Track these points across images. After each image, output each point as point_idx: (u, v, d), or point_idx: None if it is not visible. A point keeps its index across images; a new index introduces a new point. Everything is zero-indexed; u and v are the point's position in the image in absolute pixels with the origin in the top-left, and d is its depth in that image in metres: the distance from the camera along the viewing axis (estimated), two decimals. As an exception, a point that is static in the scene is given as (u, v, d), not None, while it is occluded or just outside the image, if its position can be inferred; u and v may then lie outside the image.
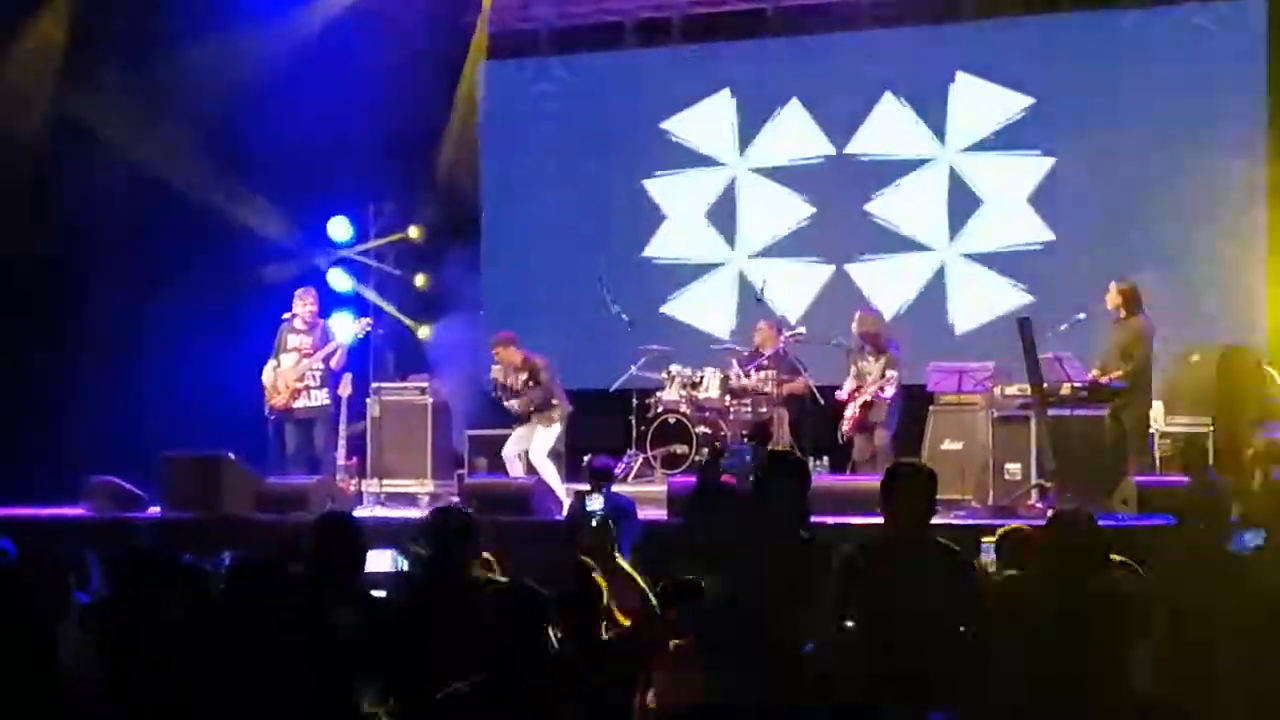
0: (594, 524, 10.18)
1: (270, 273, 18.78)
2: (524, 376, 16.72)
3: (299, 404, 16.92)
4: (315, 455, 17.00)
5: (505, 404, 16.84)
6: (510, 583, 7.27)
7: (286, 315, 17.11)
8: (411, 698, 6.88)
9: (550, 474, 16.50)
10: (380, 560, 11.44)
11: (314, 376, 16.92)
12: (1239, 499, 13.13)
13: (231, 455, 16.38)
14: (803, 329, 18.04)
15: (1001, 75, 18.87)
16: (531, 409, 16.73)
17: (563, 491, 16.06)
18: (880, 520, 7.64)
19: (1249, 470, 13.67)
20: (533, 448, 16.65)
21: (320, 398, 16.94)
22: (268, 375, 16.94)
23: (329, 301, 18.43)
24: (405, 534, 13.43)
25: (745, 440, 16.90)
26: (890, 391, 16.31)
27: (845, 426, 16.56)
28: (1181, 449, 14.04)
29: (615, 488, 14.09)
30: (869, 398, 16.35)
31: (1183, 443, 14.09)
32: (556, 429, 16.81)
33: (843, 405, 16.63)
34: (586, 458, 17.73)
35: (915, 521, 7.48)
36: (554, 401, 16.84)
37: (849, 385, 16.61)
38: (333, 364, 16.91)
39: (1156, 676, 7.16)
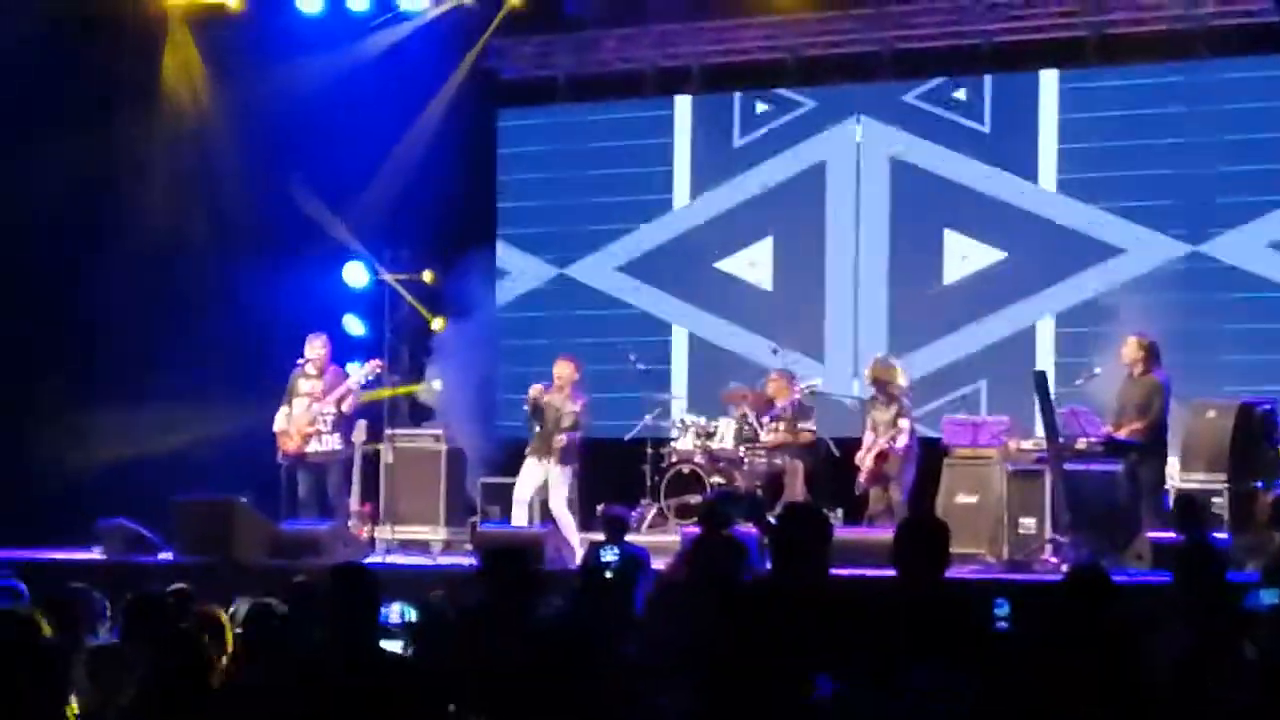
0: (608, 575, 10.15)
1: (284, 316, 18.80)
2: (572, 410, 16.58)
3: (311, 449, 16.91)
4: (328, 501, 16.98)
5: (554, 439, 16.64)
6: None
7: (299, 361, 17.13)
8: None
9: (569, 524, 16.43)
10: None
11: (325, 421, 16.91)
12: (1253, 557, 13.16)
13: (244, 500, 16.37)
14: (818, 380, 18.01)
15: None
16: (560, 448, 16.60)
17: (578, 542, 15.99)
18: (893, 573, 7.60)
19: (1263, 528, 13.61)
20: (553, 496, 16.53)
21: (332, 443, 16.92)
22: (280, 421, 16.94)
23: (344, 347, 18.42)
24: (418, 584, 13.47)
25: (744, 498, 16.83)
26: (903, 442, 16.25)
27: (861, 478, 16.50)
28: (1176, 506, 13.99)
29: (629, 537, 14.05)
30: (883, 447, 16.30)
31: (1182, 500, 14.01)
32: (570, 473, 16.70)
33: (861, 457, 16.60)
34: (600, 507, 17.77)
35: (927, 576, 7.44)
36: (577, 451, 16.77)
37: (868, 438, 16.55)
38: (344, 408, 16.90)
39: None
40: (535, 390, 16.63)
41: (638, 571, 12.42)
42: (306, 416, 16.88)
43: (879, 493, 16.42)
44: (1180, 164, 18.06)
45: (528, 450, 16.76)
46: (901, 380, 16.67)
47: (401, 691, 6.70)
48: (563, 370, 16.60)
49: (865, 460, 16.42)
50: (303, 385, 17.01)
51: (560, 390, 16.53)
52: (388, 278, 19.71)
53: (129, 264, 18.31)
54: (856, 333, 19.43)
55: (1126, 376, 15.44)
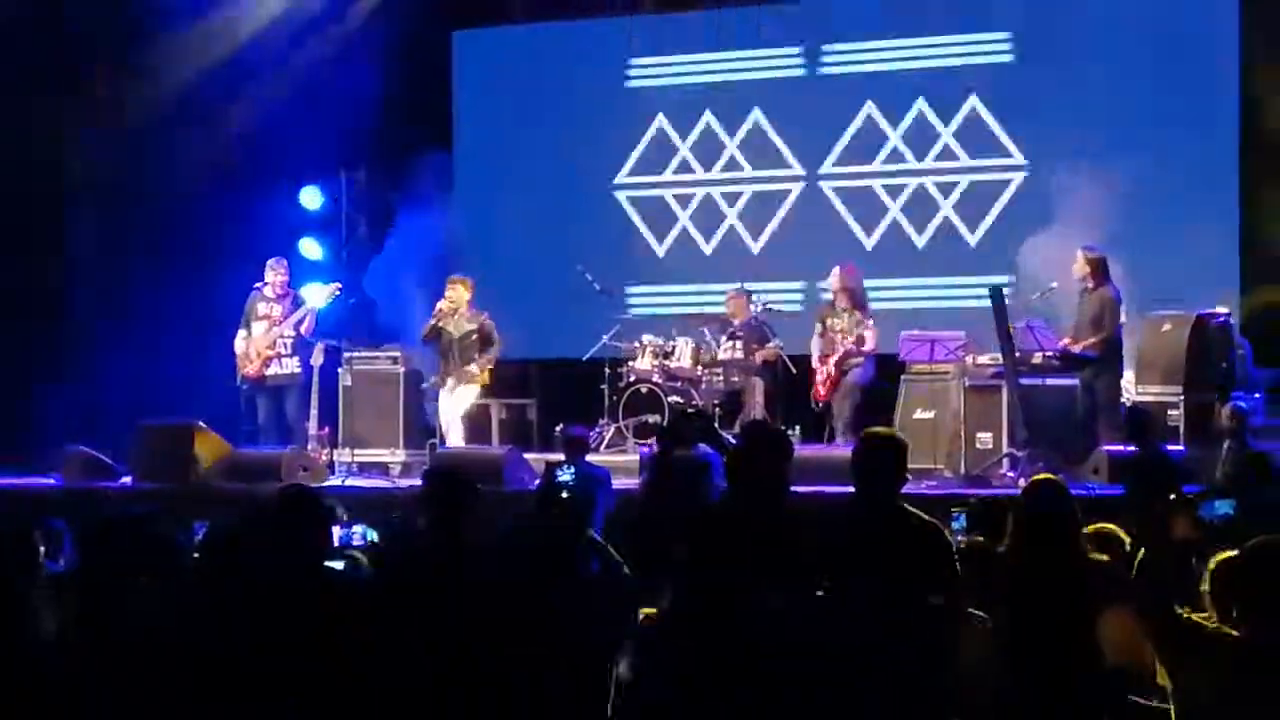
0: (564, 495, 10.14)
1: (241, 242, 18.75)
2: (473, 330, 16.55)
3: (270, 372, 16.92)
4: (287, 424, 17.00)
5: (464, 369, 16.63)
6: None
7: (257, 284, 17.11)
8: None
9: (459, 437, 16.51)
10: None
11: (285, 345, 16.93)
12: (1208, 467, 13.25)
13: (202, 424, 16.36)
14: (773, 300, 18.03)
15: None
16: (474, 374, 16.60)
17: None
18: (852, 489, 7.64)
19: (1217, 439, 13.71)
20: (458, 407, 16.63)
21: (291, 366, 16.95)
22: (239, 344, 16.94)
23: (300, 271, 18.37)
24: (379, 506, 13.47)
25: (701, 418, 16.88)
26: (870, 344, 16.30)
27: (820, 392, 16.51)
28: (1128, 419, 14.05)
29: (588, 457, 14.06)
30: (848, 348, 16.34)
31: (1135, 413, 14.08)
32: (476, 391, 16.75)
33: (813, 370, 16.64)
34: (559, 427, 17.78)
35: (886, 491, 7.48)
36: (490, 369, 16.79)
37: (817, 347, 16.58)
38: (303, 330, 16.91)
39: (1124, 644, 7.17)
40: (443, 306, 16.60)
41: (597, 491, 12.43)
42: (266, 340, 16.87)
43: (841, 402, 16.40)
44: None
45: (435, 381, 16.80)
46: (855, 286, 16.72)
47: (348, 610, 6.72)
48: (454, 292, 16.55)
49: (826, 369, 16.43)
50: (261, 309, 17.01)
51: (455, 313, 16.48)
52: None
53: (91, 196, 18.29)
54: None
55: (1080, 292, 15.51)
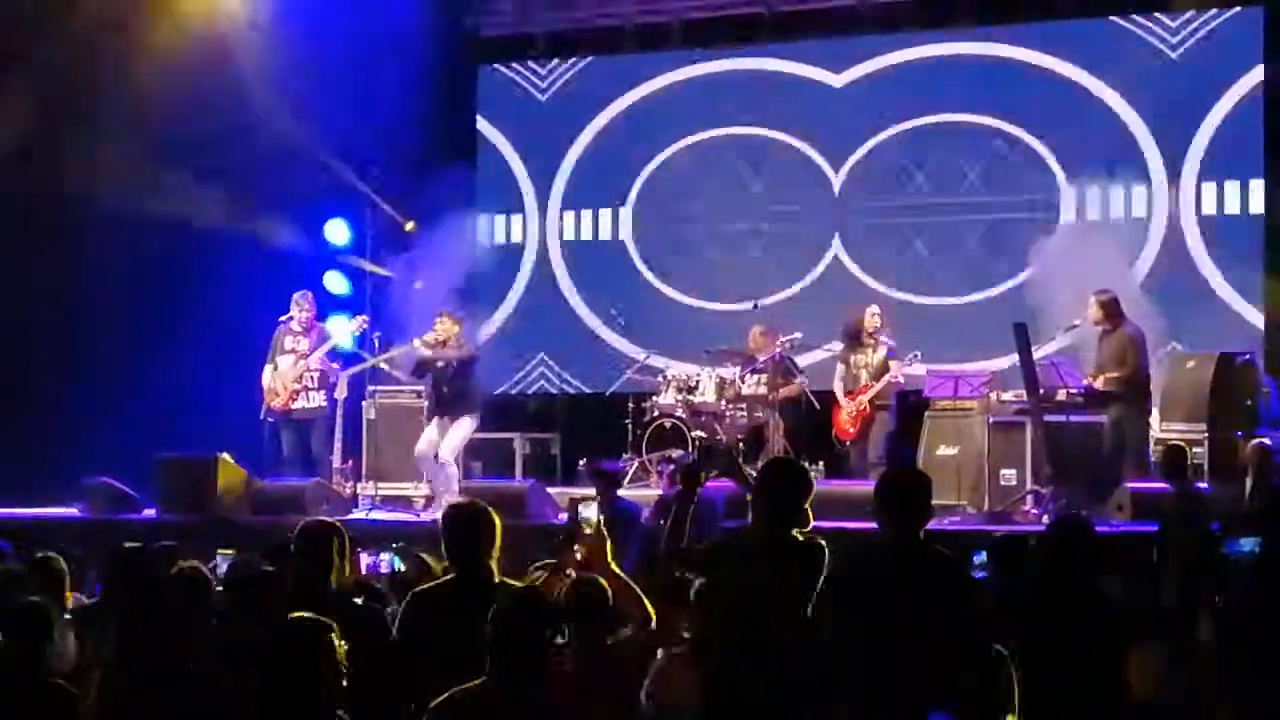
0: (588, 532, 10.11)
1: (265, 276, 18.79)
2: (455, 358, 16.41)
3: (297, 405, 16.95)
4: (311, 458, 17.02)
5: (444, 394, 16.39)
6: (525, 588, 7.22)
7: (283, 318, 17.15)
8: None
9: (453, 475, 16.28)
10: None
11: (311, 378, 16.97)
12: (1233, 505, 13.22)
13: (226, 456, 16.39)
14: (798, 334, 18.02)
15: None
16: (456, 400, 16.40)
17: (458, 491, 15.86)
18: (874, 526, 7.62)
19: (1242, 477, 13.68)
20: (445, 444, 16.29)
21: (317, 399, 16.98)
22: (266, 378, 16.98)
23: (326, 304, 18.40)
24: (402, 537, 13.48)
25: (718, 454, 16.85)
26: (900, 377, 16.43)
27: (849, 431, 16.52)
28: (1161, 457, 14.02)
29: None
30: (890, 381, 16.46)
31: (1170, 451, 14.05)
32: (470, 427, 16.57)
33: (838, 407, 16.65)
34: (583, 462, 17.78)
35: (910, 528, 7.45)
36: (478, 400, 16.70)
37: (841, 385, 16.62)
38: (326, 366, 16.97)
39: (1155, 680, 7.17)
40: (429, 339, 16.44)
41: (631, 529, 12.37)
42: (293, 373, 16.91)
43: (870, 438, 16.48)
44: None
45: (425, 413, 16.76)
46: (885, 325, 16.77)
47: (367, 645, 6.71)
48: (442, 325, 16.45)
49: (855, 405, 16.43)
50: (288, 342, 17.04)
51: (443, 346, 16.43)
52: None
53: (112, 225, 18.32)
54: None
55: (1098, 335, 15.47)
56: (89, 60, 18.41)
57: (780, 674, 7.12)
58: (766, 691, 7.06)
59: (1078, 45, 18.64)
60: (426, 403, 16.85)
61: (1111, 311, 15.38)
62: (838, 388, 16.74)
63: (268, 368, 17.01)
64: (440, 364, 16.29)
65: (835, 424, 16.75)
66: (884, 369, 16.51)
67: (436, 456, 16.27)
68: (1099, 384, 15.14)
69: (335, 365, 17.12)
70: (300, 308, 17.09)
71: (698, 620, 7.61)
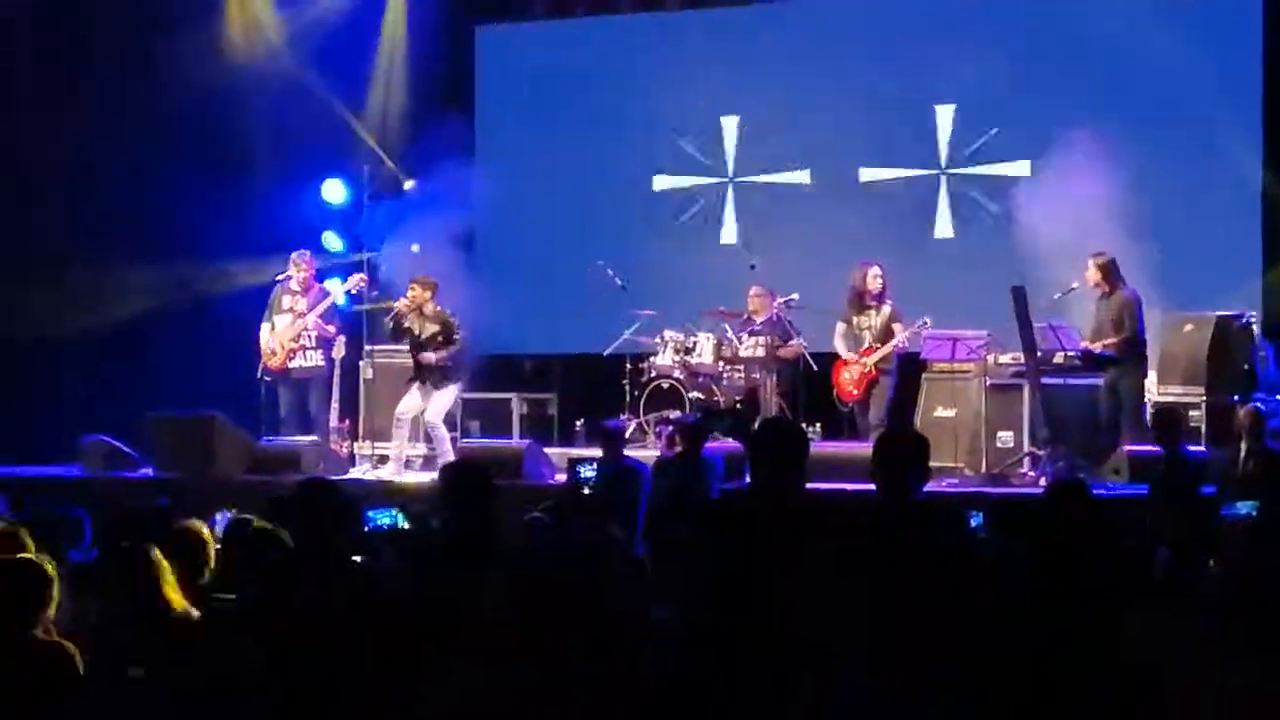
0: (586, 492, 10.16)
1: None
2: (434, 329, 16.34)
3: (294, 364, 16.98)
4: (309, 416, 17.04)
5: (419, 356, 16.37)
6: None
7: (280, 277, 17.16)
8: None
9: (443, 437, 16.29)
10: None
11: (309, 337, 16.99)
12: (1228, 469, 13.23)
13: (222, 415, 16.41)
14: (796, 295, 18.02)
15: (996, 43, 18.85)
16: (440, 367, 16.33)
17: (452, 456, 15.82)
18: (872, 487, 7.62)
19: (1237, 441, 13.68)
20: (431, 407, 16.29)
21: (315, 359, 17.01)
22: (263, 336, 16.98)
23: (323, 263, 18.41)
24: (400, 496, 13.50)
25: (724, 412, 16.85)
26: (905, 339, 16.30)
27: (853, 392, 16.43)
28: (1156, 419, 14.03)
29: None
30: (896, 346, 16.34)
31: (1163, 413, 14.05)
32: (455, 392, 16.57)
33: (841, 368, 16.57)
34: (580, 422, 17.80)
35: (907, 486, 7.44)
36: (461, 367, 16.65)
37: (844, 345, 16.53)
38: (322, 328, 16.96)
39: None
40: (400, 305, 16.43)
41: (639, 485, 12.39)
42: (290, 332, 16.93)
43: (874, 399, 16.38)
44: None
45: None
46: (887, 286, 16.64)
47: (369, 603, 6.72)
48: (414, 292, 16.36)
49: (859, 367, 16.36)
50: (285, 301, 17.07)
51: (415, 311, 16.39)
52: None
53: (109, 184, 18.32)
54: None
55: (1097, 297, 15.48)
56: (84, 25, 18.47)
57: (780, 638, 7.12)
58: (765, 657, 7.06)
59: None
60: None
61: (1109, 273, 15.38)
62: (839, 347, 16.65)
63: (265, 326, 17.02)
64: (416, 332, 16.26)
65: (837, 385, 16.68)
66: (888, 331, 16.44)
67: (425, 422, 16.31)
68: (1097, 348, 15.15)
69: (332, 327, 17.09)
70: (298, 267, 17.10)
71: (690, 580, 7.60)
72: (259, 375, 17.09)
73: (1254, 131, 17.63)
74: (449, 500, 7.65)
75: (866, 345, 16.49)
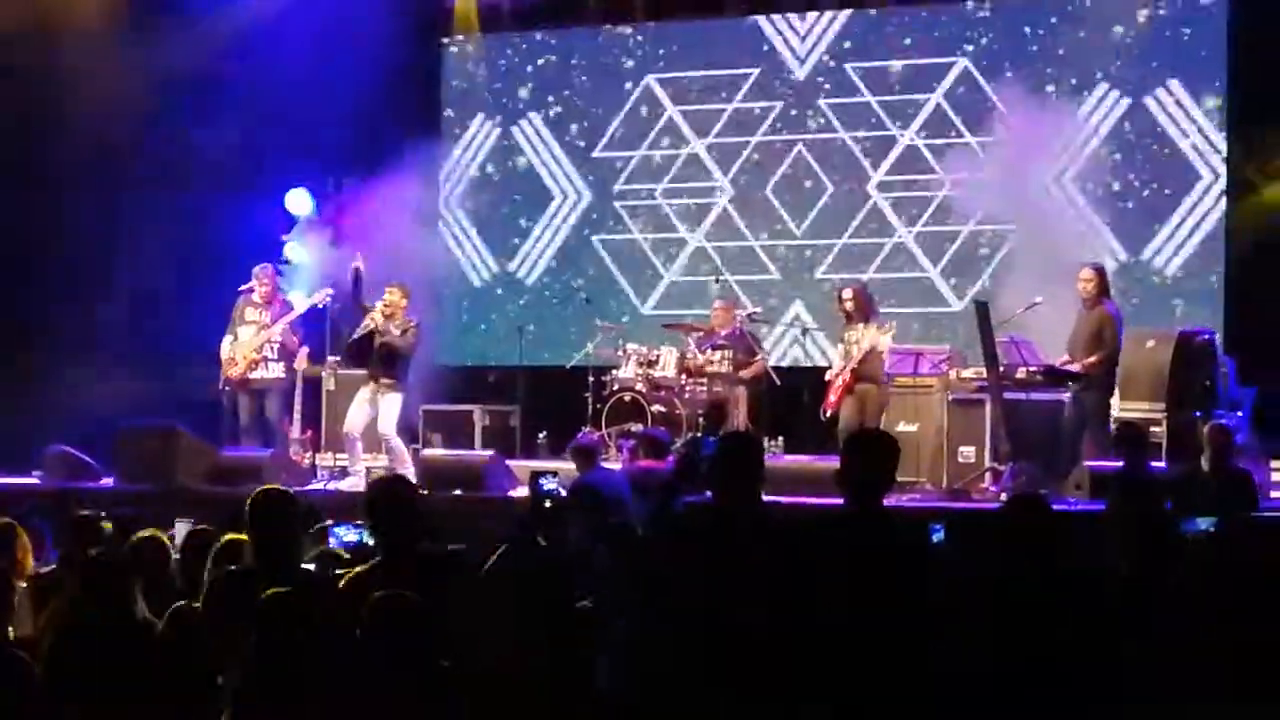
0: (547, 505, 10.09)
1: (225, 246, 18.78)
2: (399, 332, 16.19)
3: (255, 375, 16.94)
4: (269, 426, 17.01)
5: (386, 343, 16.06)
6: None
7: (242, 288, 17.13)
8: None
9: (400, 447, 16.18)
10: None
11: (272, 349, 16.98)
12: (1189, 485, 13.25)
13: (184, 427, 16.40)
14: (759, 309, 18.06)
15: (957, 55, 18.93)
16: (388, 372, 16.16)
17: (411, 466, 15.78)
18: (837, 503, 7.60)
19: (1199, 457, 13.70)
20: (382, 419, 16.11)
21: (276, 370, 16.99)
22: (225, 348, 16.95)
23: (287, 273, 18.40)
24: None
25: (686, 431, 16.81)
26: (887, 343, 15.80)
27: (830, 399, 16.11)
28: (1118, 435, 14.04)
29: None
30: (861, 356, 15.68)
31: (1125, 429, 14.07)
32: (400, 401, 16.32)
33: (829, 383, 16.26)
34: (542, 435, 17.79)
35: (872, 494, 7.42)
36: (406, 376, 16.47)
37: (838, 364, 16.23)
38: (289, 339, 16.95)
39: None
40: (380, 311, 16.25)
41: (622, 497, 12.36)
42: (253, 344, 16.90)
43: (851, 409, 15.83)
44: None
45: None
46: (873, 300, 16.37)
47: (319, 610, 6.71)
48: (392, 297, 16.20)
49: (839, 379, 16.04)
50: (249, 314, 17.05)
51: (390, 318, 16.29)
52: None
53: (74, 193, 18.29)
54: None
55: (1082, 308, 15.40)
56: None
57: (741, 652, 7.12)
58: (726, 671, 7.06)
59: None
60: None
61: (1102, 286, 15.29)
62: (834, 364, 16.35)
63: (226, 338, 17.00)
64: (382, 336, 16.18)
65: (825, 398, 16.34)
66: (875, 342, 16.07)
67: (381, 435, 16.28)
68: (1075, 366, 15.04)
69: (296, 337, 17.08)
70: (260, 281, 17.08)
71: (647, 590, 7.59)
72: (221, 386, 17.06)
73: (1218, 140, 17.81)
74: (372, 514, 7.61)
75: (854, 358, 16.09)
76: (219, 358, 16.99)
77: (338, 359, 18.01)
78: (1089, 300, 15.26)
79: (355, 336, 16.56)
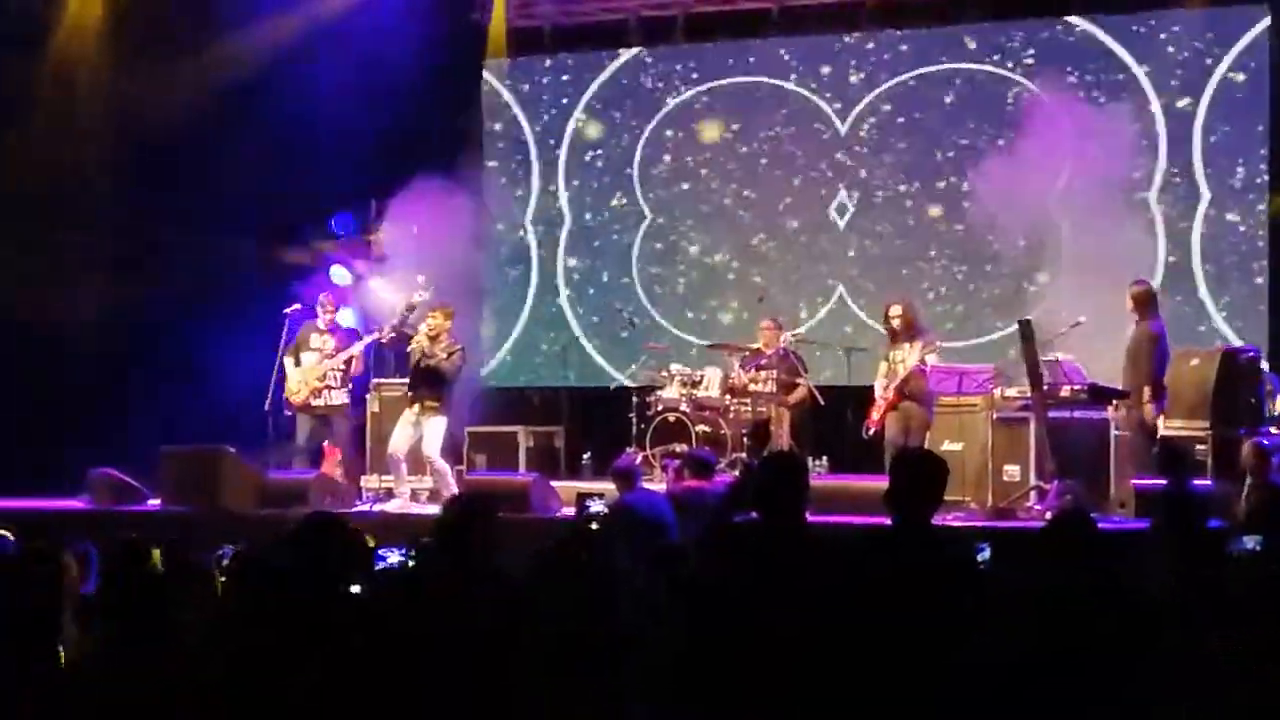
0: (593, 527, 10.13)
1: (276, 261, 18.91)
2: (444, 355, 16.15)
3: (318, 402, 17.00)
4: (321, 451, 17.03)
5: (431, 366, 16.11)
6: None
7: (288, 311, 17.20)
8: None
9: (444, 469, 16.20)
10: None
11: (335, 377, 17.03)
12: (1234, 503, 13.22)
13: (231, 449, 16.44)
14: (802, 330, 18.09)
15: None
16: (432, 394, 16.21)
17: (455, 488, 15.69)
18: (883, 522, 7.60)
19: (1243, 475, 13.67)
20: (427, 442, 16.13)
21: (339, 398, 17.07)
22: (290, 371, 17.01)
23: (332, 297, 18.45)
24: (407, 531, 13.46)
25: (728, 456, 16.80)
26: (932, 361, 15.82)
27: (873, 417, 15.97)
28: (1161, 453, 14.01)
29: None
30: (905, 375, 15.72)
31: (1167, 448, 14.04)
32: (445, 424, 16.34)
33: (873, 401, 16.17)
34: (586, 455, 17.82)
35: (921, 514, 7.44)
36: (450, 398, 16.47)
37: (882, 380, 16.12)
38: (353, 368, 17.04)
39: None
40: (423, 335, 16.30)
41: (667, 519, 12.35)
42: (317, 371, 16.99)
43: (895, 426, 15.88)
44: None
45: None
46: (920, 317, 16.35)
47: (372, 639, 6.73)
48: (435, 321, 16.22)
49: (884, 397, 15.94)
50: (314, 340, 17.14)
51: (435, 340, 16.27)
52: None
53: (121, 212, 18.41)
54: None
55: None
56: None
57: (787, 667, 7.12)
58: (768, 684, 7.06)
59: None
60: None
61: (1139, 303, 15.30)
62: (878, 384, 16.18)
63: (289, 360, 17.05)
64: (427, 359, 16.20)
65: (868, 416, 16.39)
66: (920, 359, 16.00)
67: (425, 457, 16.31)
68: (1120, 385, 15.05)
69: (361, 363, 17.16)
70: (325, 309, 17.21)
71: (691, 611, 7.60)
72: (271, 408, 17.10)
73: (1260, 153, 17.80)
74: (443, 531, 7.65)
75: (900, 376, 16.08)
76: (274, 378, 17.05)
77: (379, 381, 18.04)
78: (1134, 317, 15.29)
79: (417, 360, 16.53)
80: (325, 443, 17.08)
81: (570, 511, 14.66)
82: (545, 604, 6.92)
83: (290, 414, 17.20)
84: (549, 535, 11.86)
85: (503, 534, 7.68)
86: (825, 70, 19.82)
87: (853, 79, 19.70)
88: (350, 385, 17.25)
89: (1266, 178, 17.84)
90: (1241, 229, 18.05)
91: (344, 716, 6.43)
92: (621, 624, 7.48)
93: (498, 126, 21.24)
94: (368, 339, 17.30)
